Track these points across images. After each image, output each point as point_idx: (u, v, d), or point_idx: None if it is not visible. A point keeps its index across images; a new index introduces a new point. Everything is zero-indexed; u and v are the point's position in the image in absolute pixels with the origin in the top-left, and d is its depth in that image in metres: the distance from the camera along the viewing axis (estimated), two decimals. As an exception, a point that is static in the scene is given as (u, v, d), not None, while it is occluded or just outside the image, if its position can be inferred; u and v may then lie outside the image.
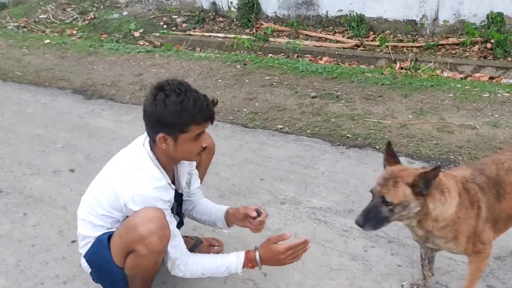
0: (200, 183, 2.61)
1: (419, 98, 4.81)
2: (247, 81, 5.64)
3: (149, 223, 1.99)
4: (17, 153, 4.18)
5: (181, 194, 2.46)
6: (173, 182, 2.30)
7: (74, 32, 9.22)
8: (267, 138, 4.21)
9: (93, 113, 5.02)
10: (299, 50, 7.03)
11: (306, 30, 8.03)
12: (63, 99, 5.48)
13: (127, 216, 2.10)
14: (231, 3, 8.69)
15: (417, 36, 7.23)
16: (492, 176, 2.13)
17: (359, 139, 4.08)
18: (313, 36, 7.80)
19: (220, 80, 5.74)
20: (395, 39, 7.25)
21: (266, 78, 5.67)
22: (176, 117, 1.98)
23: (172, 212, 2.28)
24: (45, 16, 10.17)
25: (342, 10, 7.77)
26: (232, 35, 8.01)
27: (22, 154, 4.15)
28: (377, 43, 7.08)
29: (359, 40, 7.27)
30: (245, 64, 6.17)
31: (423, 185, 1.88)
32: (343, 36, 7.60)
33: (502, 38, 6.22)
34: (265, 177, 3.59)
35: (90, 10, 10.13)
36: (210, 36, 8.27)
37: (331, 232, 2.94)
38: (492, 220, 2.09)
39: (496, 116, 4.32)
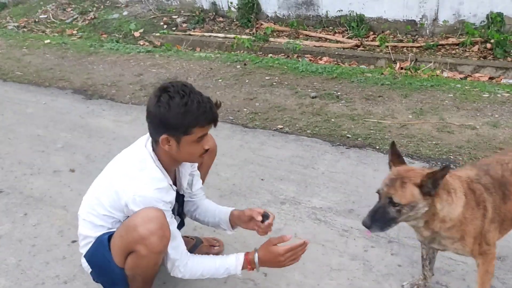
0: (202, 183, 2.61)
1: (419, 98, 4.81)
2: (247, 81, 5.64)
3: (149, 224, 1.99)
4: (17, 153, 4.18)
5: (183, 195, 2.46)
6: (175, 183, 2.30)
7: (74, 32, 9.22)
8: (267, 138, 4.22)
9: (93, 113, 5.02)
10: (299, 50, 7.03)
11: (306, 30, 8.03)
12: (63, 99, 5.48)
13: (128, 217, 2.11)
14: (231, 3, 8.69)
15: (417, 36, 7.24)
16: (497, 177, 2.12)
17: (359, 139, 4.09)
18: (313, 36, 7.80)
19: (220, 80, 5.75)
20: (395, 39, 7.25)
21: (266, 78, 5.67)
22: (179, 119, 1.98)
23: (173, 213, 2.28)
24: (45, 16, 10.18)
25: (342, 10, 7.77)
26: (232, 35, 8.01)
27: (22, 154, 4.16)
28: (377, 43, 7.09)
29: (359, 40, 7.27)
30: (245, 64, 6.17)
31: (431, 185, 1.87)
32: (343, 36, 7.60)
33: (502, 38, 6.23)
34: (265, 177, 3.60)
35: (90, 10, 10.13)
36: (210, 36, 8.28)
37: (331, 232, 2.95)
38: (498, 221, 2.08)
39: (496, 116, 4.32)
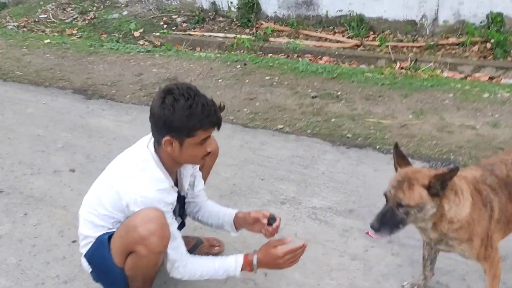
0: (204, 184, 2.61)
1: (419, 98, 4.81)
2: (247, 81, 5.64)
3: (149, 224, 1.99)
4: (17, 153, 4.18)
5: (184, 197, 2.46)
6: (176, 184, 2.30)
7: (74, 32, 9.21)
8: (268, 138, 4.22)
9: (93, 113, 5.03)
10: (299, 50, 7.02)
11: (306, 30, 8.02)
12: (63, 99, 5.48)
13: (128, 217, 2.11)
14: (231, 3, 8.68)
15: (417, 36, 7.23)
16: (502, 177, 2.12)
17: (359, 139, 4.09)
18: (313, 36, 7.79)
19: (220, 80, 5.75)
20: (395, 39, 7.24)
21: (266, 78, 5.67)
22: (183, 122, 1.98)
23: (174, 214, 2.28)
24: (45, 16, 10.17)
25: (342, 10, 7.76)
26: (232, 35, 8.01)
27: (22, 154, 4.16)
28: (377, 43, 7.08)
29: (359, 40, 7.26)
30: (245, 64, 6.17)
31: (439, 187, 1.85)
32: (343, 36, 7.59)
33: (502, 38, 6.22)
34: (266, 177, 3.60)
35: (90, 10, 10.12)
36: (210, 36, 8.27)
37: (331, 232, 2.95)
38: (504, 222, 2.07)
39: (496, 116, 4.32)
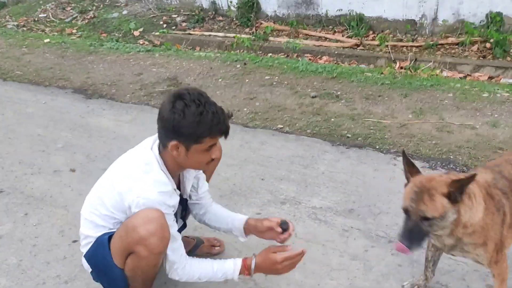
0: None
1: (419, 97, 4.82)
2: (247, 80, 5.65)
3: (149, 224, 2.00)
4: (17, 152, 4.18)
5: (186, 199, 2.47)
6: (179, 187, 2.30)
7: (74, 31, 9.21)
8: (267, 138, 4.22)
9: (93, 112, 5.03)
10: (298, 49, 7.03)
11: (305, 29, 8.03)
12: (63, 98, 5.48)
13: (129, 218, 2.11)
14: (231, 2, 8.69)
15: (416, 35, 7.24)
16: (510, 178, 2.11)
17: (359, 139, 4.09)
18: (313, 36, 7.80)
19: (220, 80, 5.75)
20: (395, 38, 7.25)
21: (266, 77, 5.68)
22: (193, 128, 1.99)
23: (176, 216, 2.28)
24: (45, 15, 10.17)
25: (341, 10, 7.77)
26: (232, 35, 8.01)
27: (22, 153, 4.16)
28: (376, 42, 7.09)
29: (358, 39, 7.27)
30: (245, 64, 6.17)
31: (458, 193, 1.84)
32: (342, 36, 7.60)
33: (501, 37, 6.23)
34: (266, 177, 3.61)
35: (89, 9, 10.12)
36: (209, 35, 8.27)
37: (331, 232, 2.96)
38: None
39: (496, 116, 4.33)
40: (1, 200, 3.47)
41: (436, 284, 2.49)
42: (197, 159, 2.11)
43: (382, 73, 5.66)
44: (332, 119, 4.47)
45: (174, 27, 8.85)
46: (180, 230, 2.34)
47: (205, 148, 2.07)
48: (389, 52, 6.72)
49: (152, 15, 9.27)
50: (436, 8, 6.98)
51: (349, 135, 4.15)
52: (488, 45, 6.47)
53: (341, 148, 3.97)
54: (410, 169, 1.99)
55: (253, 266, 2.22)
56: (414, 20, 7.23)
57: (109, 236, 2.16)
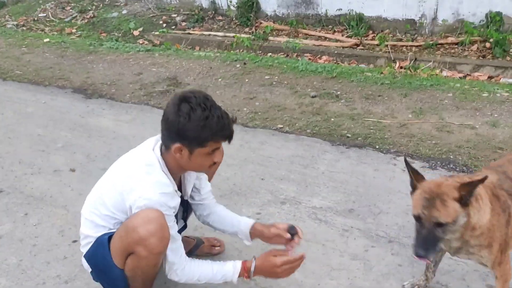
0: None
1: (419, 97, 4.82)
2: (247, 80, 5.65)
3: (149, 225, 2.00)
4: (17, 152, 4.18)
5: (187, 201, 2.46)
6: (180, 189, 2.30)
7: (73, 30, 9.21)
8: (267, 138, 4.22)
9: (93, 112, 5.03)
10: (298, 49, 7.03)
11: (305, 29, 8.03)
12: (63, 98, 5.48)
13: (129, 218, 2.11)
14: (230, 1, 8.69)
15: (416, 35, 7.24)
16: None
17: (359, 138, 4.09)
18: (313, 35, 7.80)
19: (220, 80, 5.75)
20: (394, 38, 7.26)
21: (266, 77, 5.68)
22: (198, 132, 1.99)
23: (176, 217, 2.28)
24: (44, 14, 10.16)
25: (341, 9, 7.78)
26: (232, 34, 8.01)
27: (22, 153, 4.16)
28: (376, 42, 7.09)
29: (358, 39, 7.27)
30: (244, 64, 6.17)
31: (468, 196, 1.84)
32: (342, 35, 7.60)
33: (501, 37, 6.24)
34: (266, 176, 3.61)
35: (89, 8, 10.12)
36: (209, 35, 8.27)
37: (331, 231, 2.96)
38: None
39: (495, 115, 4.33)
40: (1, 200, 3.46)
41: (436, 284, 2.49)
42: (200, 162, 2.11)
43: (382, 72, 5.66)
44: (332, 119, 4.47)
45: (173, 27, 8.85)
46: (180, 231, 2.33)
47: (208, 151, 2.07)
48: (388, 51, 6.72)
49: (151, 15, 9.27)
50: (435, 8, 6.99)
51: (349, 135, 4.15)
52: (487, 44, 6.47)
53: (341, 148, 3.97)
54: (416, 177, 1.97)
55: (252, 268, 2.22)
56: (413, 20, 7.24)
57: (109, 236, 2.16)
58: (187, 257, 2.25)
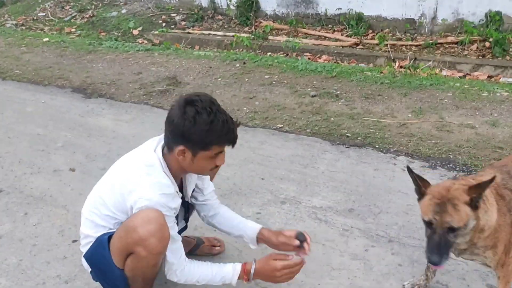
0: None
1: (419, 97, 4.82)
2: (246, 80, 5.65)
3: (148, 225, 1.99)
4: (17, 152, 4.18)
5: (187, 202, 2.46)
6: (181, 190, 2.30)
7: (73, 30, 9.21)
8: (267, 137, 4.22)
9: (93, 112, 5.02)
10: (298, 48, 7.03)
11: (305, 28, 8.02)
12: (62, 97, 5.48)
13: (129, 218, 2.11)
14: (230, 1, 8.68)
15: (416, 34, 7.24)
16: None
17: (358, 138, 4.09)
18: (312, 35, 7.80)
19: (219, 79, 5.75)
20: (394, 37, 7.25)
21: (266, 77, 5.67)
22: (202, 136, 1.99)
23: (177, 218, 2.28)
24: (44, 14, 10.16)
25: (341, 9, 7.78)
26: (231, 33, 8.01)
27: (22, 153, 4.15)
28: (376, 41, 7.09)
29: (358, 38, 7.27)
30: (244, 63, 6.17)
31: (478, 198, 1.83)
32: (342, 35, 7.60)
33: (501, 37, 6.24)
34: (265, 176, 3.60)
35: (88, 8, 10.11)
36: (209, 34, 8.27)
37: (331, 231, 2.95)
38: None
39: (495, 115, 4.33)
40: (1, 199, 3.46)
41: (436, 283, 2.49)
42: (202, 165, 2.12)
43: (381, 72, 5.67)
44: (332, 119, 4.47)
45: (173, 26, 8.84)
46: (180, 232, 2.33)
47: (211, 155, 2.08)
48: (388, 51, 6.72)
49: (151, 14, 9.26)
50: (435, 7, 6.99)
51: (349, 135, 4.15)
52: (487, 44, 6.47)
53: (341, 148, 3.97)
54: (423, 183, 1.96)
55: (252, 271, 2.22)
56: (413, 19, 7.24)
57: (109, 236, 2.16)
58: (186, 258, 2.25)
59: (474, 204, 1.83)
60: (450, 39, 6.81)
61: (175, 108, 2.04)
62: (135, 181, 2.08)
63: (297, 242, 2.32)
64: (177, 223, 2.26)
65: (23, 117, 4.95)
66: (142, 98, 5.29)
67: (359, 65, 6.51)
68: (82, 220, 2.31)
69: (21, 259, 2.84)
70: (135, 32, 8.69)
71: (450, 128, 4.15)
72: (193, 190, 2.45)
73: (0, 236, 3.06)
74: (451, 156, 3.73)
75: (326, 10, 7.94)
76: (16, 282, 2.67)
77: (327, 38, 7.55)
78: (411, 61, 6.36)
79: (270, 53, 7.31)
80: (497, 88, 4.91)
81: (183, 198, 2.31)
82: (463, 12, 6.83)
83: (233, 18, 8.75)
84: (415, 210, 3.04)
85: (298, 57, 6.85)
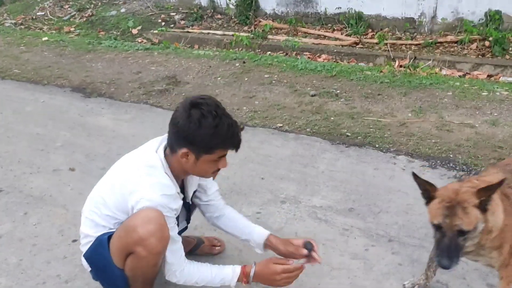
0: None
1: (418, 96, 4.82)
2: (246, 79, 5.64)
3: (148, 225, 1.99)
4: (16, 151, 4.17)
5: (189, 203, 2.46)
6: (182, 191, 2.29)
7: (72, 29, 9.19)
8: (267, 137, 4.22)
9: (92, 111, 5.01)
10: (297, 47, 7.02)
11: (304, 27, 8.01)
12: (62, 97, 5.47)
13: (129, 218, 2.10)
14: (229, 0, 8.67)
15: (415, 34, 7.24)
16: None
17: (358, 137, 4.09)
18: (312, 34, 7.79)
19: (219, 78, 5.74)
20: (394, 36, 7.25)
21: (265, 76, 5.67)
22: (207, 139, 2.00)
23: (178, 219, 2.28)
24: (43, 13, 10.14)
25: (340, 8, 7.77)
26: (231, 33, 8.00)
27: (21, 152, 4.15)
28: (375, 40, 7.08)
29: (357, 37, 7.26)
30: (244, 62, 6.16)
31: (487, 201, 1.83)
32: (341, 34, 7.59)
33: (500, 36, 6.24)
34: (265, 176, 3.60)
35: (87, 7, 10.09)
36: (208, 33, 8.26)
37: (331, 231, 2.95)
38: None
39: (495, 114, 4.33)
40: (0, 199, 3.45)
41: (437, 283, 2.49)
42: (205, 168, 2.12)
43: (381, 71, 5.66)
44: (332, 118, 4.47)
45: (172, 25, 8.83)
46: (181, 232, 2.32)
47: (214, 158, 2.08)
48: (388, 50, 6.71)
49: (150, 13, 9.25)
50: (435, 6, 6.98)
51: (349, 134, 4.15)
52: (487, 43, 6.47)
53: (341, 147, 3.97)
54: (430, 187, 1.95)
55: (252, 274, 2.23)
56: (413, 18, 7.23)
57: (109, 235, 2.16)
58: (186, 259, 2.24)
59: (483, 207, 1.83)
60: (449, 38, 6.81)
61: (180, 110, 2.03)
62: (135, 182, 2.08)
63: (305, 252, 2.32)
64: (178, 224, 2.26)
65: (22, 116, 4.94)
66: (142, 98, 5.29)
67: (359, 64, 6.51)
68: (82, 220, 2.31)
69: (21, 259, 2.84)
70: (135, 31, 8.67)
71: (450, 128, 4.15)
72: (196, 191, 2.45)
73: (0, 236, 3.05)
74: (451, 156, 3.73)
75: (325, 9, 7.93)
76: (16, 282, 2.66)
77: (326, 37, 7.55)
78: (411, 60, 6.35)
79: (269, 52, 7.30)
80: (497, 87, 4.91)
81: (184, 199, 2.31)
82: (462, 11, 6.83)
83: (233, 17, 8.74)
84: (415, 209, 3.04)
85: (298, 56, 6.84)
